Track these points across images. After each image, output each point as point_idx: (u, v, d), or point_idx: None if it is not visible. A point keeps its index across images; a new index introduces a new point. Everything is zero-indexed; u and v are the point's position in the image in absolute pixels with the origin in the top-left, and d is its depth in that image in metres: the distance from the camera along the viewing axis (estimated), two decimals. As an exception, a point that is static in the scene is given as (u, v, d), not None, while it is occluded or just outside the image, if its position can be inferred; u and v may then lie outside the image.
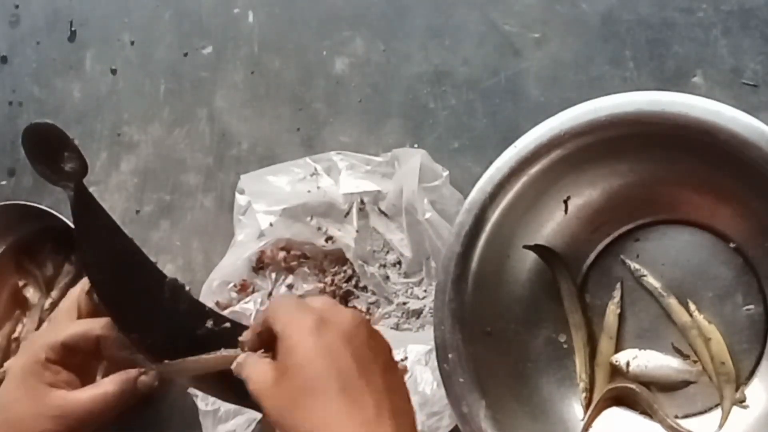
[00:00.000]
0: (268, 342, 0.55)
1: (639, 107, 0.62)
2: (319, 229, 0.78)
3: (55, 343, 0.63)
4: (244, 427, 0.73)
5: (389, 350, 0.54)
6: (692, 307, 0.67)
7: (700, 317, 0.66)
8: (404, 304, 0.76)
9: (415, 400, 0.69)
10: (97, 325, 0.65)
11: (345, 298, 0.78)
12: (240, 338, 0.57)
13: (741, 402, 0.64)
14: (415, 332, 0.75)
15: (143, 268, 0.63)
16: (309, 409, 0.49)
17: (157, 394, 0.64)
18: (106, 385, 0.62)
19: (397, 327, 0.76)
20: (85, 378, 0.66)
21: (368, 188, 0.77)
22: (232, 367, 0.55)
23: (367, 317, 0.65)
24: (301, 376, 0.50)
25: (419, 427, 0.68)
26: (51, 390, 0.62)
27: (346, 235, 0.77)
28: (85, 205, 0.59)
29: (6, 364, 0.89)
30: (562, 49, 0.76)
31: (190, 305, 0.64)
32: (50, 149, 0.57)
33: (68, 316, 0.69)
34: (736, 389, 0.65)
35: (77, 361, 0.64)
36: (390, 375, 0.52)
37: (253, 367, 0.54)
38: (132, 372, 0.63)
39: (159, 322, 0.62)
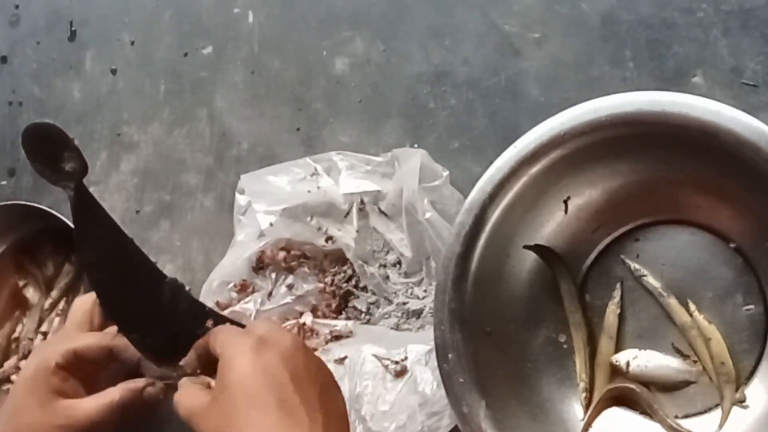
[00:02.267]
0: (206, 364, 0.57)
1: (639, 107, 0.62)
2: (319, 229, 0.78)
3: (68, 351, 0.63)
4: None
5: (329, 374, 0.56)
6: (692, 307, 0.67)
7: (700, 317, 0.66)
8: (404, 304, 0.76)
9: (415, 399, 0.69)
10: (110, 336, 0.65)
11: (345, 298, 0.78)
12: (180, 362, 0.59)
13: (741, 402, 0.64)
14: (415, 332, 0.75)
15: (143, 268, 0.63)
16: (246, 423, 0.50)
17: (163, 407, 0.64)
18: (112, 394, 0.62)
19: (397, 327, 0.76)
20: (91, 387, 0.66)
21: (368, 188, 0.77)
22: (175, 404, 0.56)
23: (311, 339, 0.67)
24: (240, 391, 0.51)
25: (419, 426, 0.68)
26: (58, 399, 0.62)
27: (346, 235, 0.77)
28: (85, 205, 0.59)
29: (6, 364, 0.89)
30: (562, 49, 0.76)
31: (190, 305, 0.64)
32: (50, 149, 0.57)
33: (80, 326, 0.69)
34: (736, 389, 0.65)
35: (85, 370, 0.65)
36: (327, 396, 0.54)
37: (185, 391, 0.56)
38: (139, 382, 0.62)
39: (159, 322, 0.62)
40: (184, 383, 0.56)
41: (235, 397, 0.51)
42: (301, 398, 0.51)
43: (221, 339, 0.56)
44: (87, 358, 0.64)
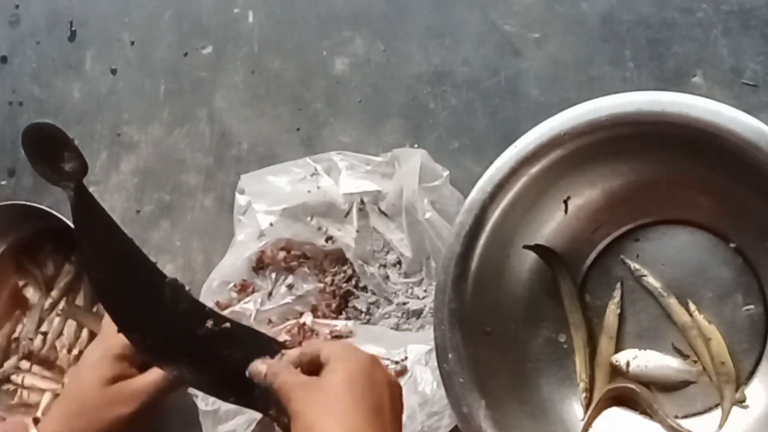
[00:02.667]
0: (306, 366, 0.60)
1: (639, 107, 0.62)
2: (319, 229, 0.78)
3: (126, 345, 0.69)
4: (244, 427, 0.73)
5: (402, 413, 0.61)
6: (692, 307, 0.67)
7: (700, 317, 0.66)
8: (404, 304, 0.76)
9: (415, 399, 0.69)
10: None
11: (345, 298, 0.78)
12: (284, 351, 0.62)
13: (741, 402, 0.64)
14: (415, 332, 0.75)
15: (143, 268, 0.63)
16: (341, 407, 0.53)
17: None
18: (157, 372, 0.69)
19: (397, 327, 0.76)
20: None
21: (368, 188, 0.77)
22: (264, 371, 0.60)
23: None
24: (347, 383, 0.55)
25: (419, 426, 0.68)
26: (119, 381, 0.69)
27: (346, 235, 0.77)
28: (85, 205, 0.59)
29: (6, 364, 0.89)
30: (562, 49, 0.76)
31: (190, 305, 0.64)
32: (50, 149, 0.57)
33: None
34: (736, 389, 0.65)
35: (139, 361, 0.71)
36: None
37: (282, 367, 0.60)
38: None
39: (159, 322, 0.62)
40: (288, 368, 0.60)
41: (338, 386, 0.55)
42: (392, 419, 0.56)
43: (337, 348, 0.59)
44: None
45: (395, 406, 0.57)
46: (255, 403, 0.63)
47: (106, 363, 0.70)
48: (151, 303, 0.62)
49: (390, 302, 0.77)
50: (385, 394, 0.56)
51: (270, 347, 0.65)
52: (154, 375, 0.69)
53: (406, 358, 0.71)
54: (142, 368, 0.71)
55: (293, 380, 0.57)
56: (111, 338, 0.70)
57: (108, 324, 0.72)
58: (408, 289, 0.76)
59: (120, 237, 0.62)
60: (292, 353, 0.62)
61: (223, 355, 0.63)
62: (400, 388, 0.60)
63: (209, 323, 0.64)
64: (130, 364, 0.71)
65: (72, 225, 0.59)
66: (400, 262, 0.77)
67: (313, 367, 0.59)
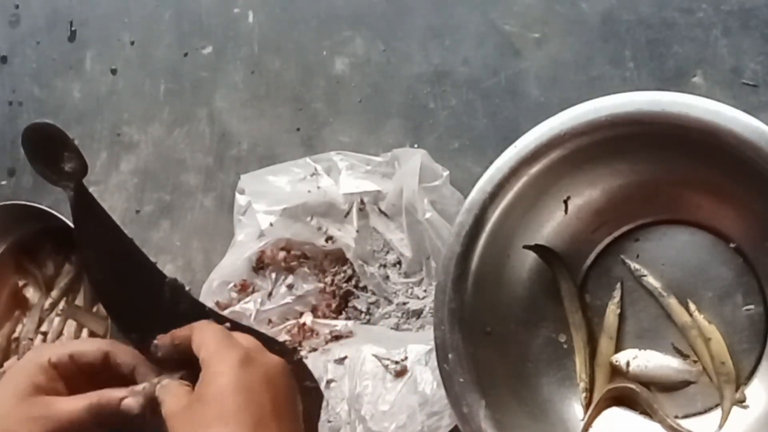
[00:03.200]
0: (181, 355, 0.56)
1: (639, 107, 0.62)
2: (319, 229, 0.78)
3: (63, 353, 0.61)
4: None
5: (299, 401, 0.57)
6: (692, 307, 0.67)
7: (700, 317, 0.66)
8: (404, 304, 0.76)
9: (415, 399, 0.69)
10: (108, 342, 0.64)
11: (345, 298, 0.78)
12: (155, 341, 0.58)
13: (741, 402, 0.64)
14: (415, 332, 0.75)
15: (143, 268, 0.63)
16: None
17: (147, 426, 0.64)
18: (90, 397, 0.59)
19: (397, 327, 0.76)
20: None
21: (368, 188, 0.77)
22: (156, 389, 0.56)
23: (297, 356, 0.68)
24: (218, 405, 0.51)
25: (419, 426, 0.68)
26: (38, 395, 0.59)
27: (346, 235, 0.77)
28: (85, 205, 0.59)
29: (6, 364, 0.89)
30: (562, 49, 0.76)
31: (190, 305, 0.64)
32: (50, 149, 0.57)
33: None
34: (736, 389, 0.65)
35: (77, 377, 0.62)
36: (299, 424, 0.55)
37: (170, 390, 0.55)
38: (120, 391, 0.59)
39: (159, 323, 0.62)
40: (171, 383, 0.56)
41: (213, 411, 0.51)
42: (278, 425, 0.52)
43: (206, 342, 0.55)
44: (82, 361, 0.62)
45: (279, 402, 0.53)
46: None
47: (28, 369, 0.58)
48: (150, 303, 0.62)
49: (390, 302, 0.77)
50: (264, 398, 0.52)
51: (270, 347, 0.65)
52: (80, 400, 0.58)
53: (406, 358, 0.71)
54: (75, 387, 0.60)
55: (174, 406, 0.54)
56: (47, 347, 0.61)
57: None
58: (408, 289, 0.76)
59: (120, 237, 0.62)
60: (164, 343, 0.57)
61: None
62: (281, 376, 0.55)
63: (209, 323, 0.63)
64: (62, 378, 0.59)
65: (72, 225, 0.59)
66: (400, 262, 0.77)
67: (192, 356, 0.55)
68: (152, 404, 0.56)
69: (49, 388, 0.59)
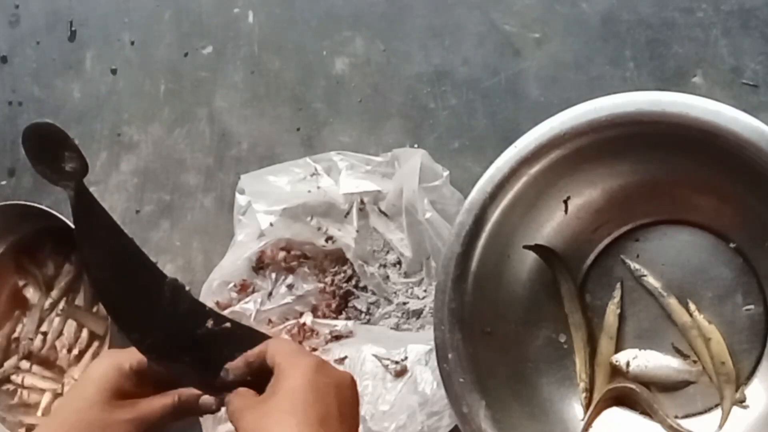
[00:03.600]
0: (255, 374, 0.59)
1: (639, 107, 0.62)
2: (319, 229, 0.78)
3: (142, 360, 0.64)
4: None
5: (359, 413, 0.60)
6: (692, 307, 0.67)
7: (700, 317, 0.66)
8: (404, 304, 0.76)
9: (415, 399, 0.69)
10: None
11: (345, 298, 0.78)
12: (227, 365, 0.61)
13: (741, 402, 0.64)
14: (415, 332, 0.75)
15: (144, 268, 0.63)
16: (284, 427, 0.52)
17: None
18: (173, 395, 0.63)
19: (397, 327, 0.76)
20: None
21: (368, 188, 0.77)
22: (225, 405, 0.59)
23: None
24: (289, 398, 0.54)
25: (419, 426, 0.68)
26: (124, 398, 0.63)
27: (346, 235, 0.77)
28: (85, 205, 0.59)
29: (6, 364, 0.89)
30: (562, 49, 0.76)
31: (190, 305, 0.64)
32: (51, 149, 0.57)
33: None
34: (736, 389, 0.65)
35: (154, 382, 0.65)
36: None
37: (238, 393, 0.59)
38: (194, 390, 0.63)
39: (159, 322, 0.62)
40: (240, 390, 0.59)
41: (283, 403, 0.54)
42: (340, 426, 0.55)
43: (282, 352, 0.58)
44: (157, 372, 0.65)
45: (344, 409, 0.56)
46: None
47: (111, 376, 0.63)
48: (151, 303, 0.62)
49: (390, 302, 0.77)
50: (331, 401, 0.55)
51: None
52: (164, 399, 0.63)
53: (406, 358, 0.71)
54: (155, 389, 0.64)
55: (241, 405, 0.57)
56: (123, 351, 0.64)
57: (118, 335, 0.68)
58: (408, 289, 0.76)
59: (120, 237, 0.62)
60: (235, 367, 0.60)
61: (224, 355, 0.62)
62: (349, 388, 0.58)
63: (209, 323, 0.64)
64: (140, 382, 0.64)
65: (72, 225, 0.59)
66: (400, 262, 0.77)
67: (263, 372, 0.59)
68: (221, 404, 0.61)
69: (133, 393, 0.63)
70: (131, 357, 0.63)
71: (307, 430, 0.52)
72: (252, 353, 0.61)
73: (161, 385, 0.64)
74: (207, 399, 0.62)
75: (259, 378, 0.59)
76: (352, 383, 0.59)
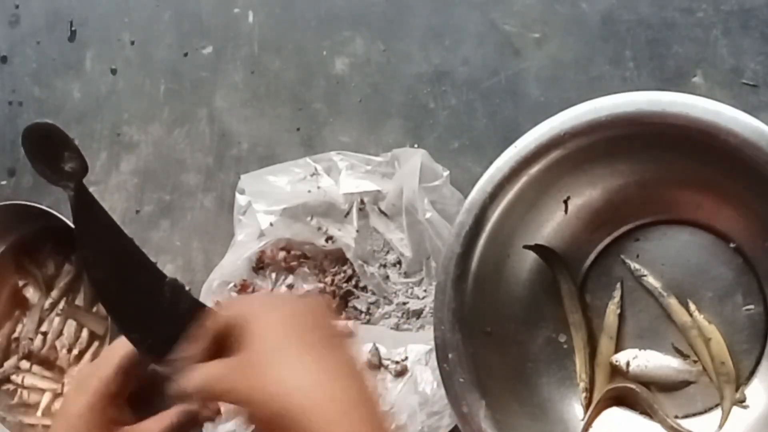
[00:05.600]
0: (213, 351, 0.55)
1: (639, 107, 0.62)
2: (319, 229, 0.78)
3: (116, 373, 0.62)
4: (245, 427, 0.73)
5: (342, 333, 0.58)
6: (692, 307, 0.67)
7: (700, 317, 0.66)
8: (404, 304, 0.76)
9: (415, 399, 0.69)
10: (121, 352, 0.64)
11: (345, 298, 0.78)
12: (180, 354, 0.56)
13: (741, 402, 0.64)
14: (415, 332, 0.75)
15: (144, 268, 0.63)
16: (281, 366, 0.49)
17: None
18: (170, 416, 0.61)
19: (397, 327, 0.76)
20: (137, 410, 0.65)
21: (368, 188, 0.77)
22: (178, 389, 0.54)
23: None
24: (265, 342, 0.51)
25: (419, 426, 0.68)
26: (118, 428, 0.61)
27: (346, 235, 0.77)
28: (85, 205, 0.58)
29: (6, 364, 0.89)
30: (562, 49, 0.76)
31: (190, 306, 0.64)
32: (51, 149, 0.56)
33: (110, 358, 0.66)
34: (736, 389, 0.65)
35: (135, 390, 0.64)
36: (346, 350, 0.54)
37: (197, 368, 0.53)
38: (194, 406, 0.62)
39: (159, 323, 0.62)
40: (197, 367, 0.54)
41: (262, 348, 0.51)
42: (325, 346, 0.52)
43: (234, 309, 0.55)
44: (131, 371, 0.63)
45: (318, 330, 0.53)
46: None
47: (97, 410, 0.61)
48: (151, 303, 0.62)
49: (390, 302, 0.77)
50: (306, 329, 0.52)
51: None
52: (162, 422, 0.61)
53: (406, 358, 0.71)
54: (140, 410, 0.63)
55: (212, 375, 0.52)
56: (98, 379, 0.62)
57: (90, 365, 0.64)
58: (408, 289, 0.76)
59: (120, 237, 0.62)
60: (193, 351, 0.55)
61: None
62: (317, 307, 0.56)
63: (210, 323, 0.63)
64: (125, 407, 0.63)
65: (72, 225, 0.59)
66: (400, 262, 0.77)
67: (228, 341, 0.54)
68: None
69: (123, 418, 0.61)
70: (107, 378, 0.61)
71: (303, 360, 0.50)
72: (207, 327, 0.56)
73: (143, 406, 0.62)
74: (207, 413, 0.60)
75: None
76: (314, 303, 0.56)
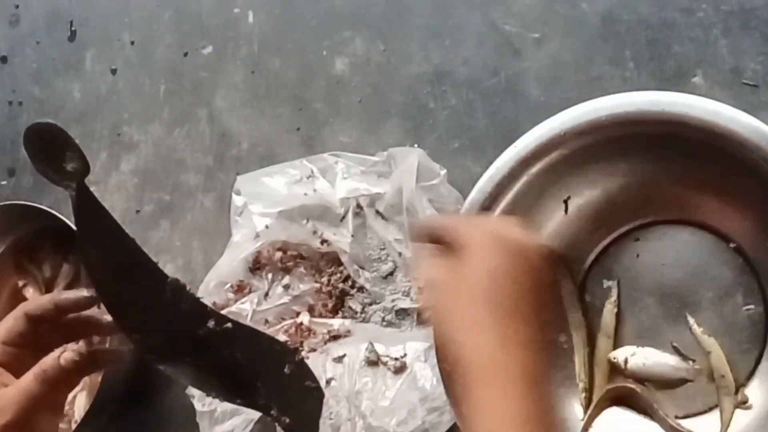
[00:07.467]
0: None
1: (639, 107, 0.62)
2: (315, 232, 0.77)
3: (18, 317, 0.63)
4: (242, 428, 0.73)
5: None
6: (691, 320, 0.66)
7: (699, 330, 0.66)
8: (400, 304, 0.76)
9: (415, 395, 0.69)
10: (49, 296, 0.65)
11: (341, 298, 0.78)
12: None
13: (743, 403, 0.64)
14: (412, 331, 0.75)
15: (145, 268, 0.63)
16: (472, 320, 0.53)
17: (104, 365, 0.67)
18: (27, 379, 0.60)
19: (392, 326, 0.76)
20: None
21: (364, 192, 0.77)
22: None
23: None
24: (477, 286, 0.53)
25: (420, 422, 0.68)
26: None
27: (341, 240, 0.76)
28: (86, 205, 0.59)
29: None
30: (562, 49, 0.76)
31: (191, 305, 0.64)
32: (52, 149, 0.57)
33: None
34: (736, 392, 0.65)
35: (34, 337, 0.64)
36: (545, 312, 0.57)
37: (428, 261, 0.58)
38: (48, 358, 0.60)
39: (160, 323, 0.62)
40: (428, 261, 0.58)
41: (471, 289, 0.53)
42: (526, 315, 0.54)
43: (472, 233, 0.56)
44: (39, 318, 0.63)
45: (531, 298, 0.55)
46: (258, 404, 0.63)
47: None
48: (152, 303, 0.62)
49: (385, 302, 0.76)
50: (523, 289, 0.54)
51: (272, 348, 0.65)
52: (24, 382, 0.60)
53: (405, 354, 0.71)
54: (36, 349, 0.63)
55: (433, 277, 0.56)
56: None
57: None
58: (405, 290, 0.76)
59: (121, 237, 0.62)
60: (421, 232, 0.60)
61: (225, 355, 0.63)
62: (544, 272, 0.57)
63: (211, 323, 0.64)
64: (18, 346, 0.63)
65: (72, 225, 0.59)
66: (396, 267, 0.76)
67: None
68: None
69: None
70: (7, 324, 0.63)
71: (495, 320, 0.52)
72: (439, 224, 0.60)
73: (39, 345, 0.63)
74: (67, 355, 0.60)
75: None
76: (545, 272, 0.57)
